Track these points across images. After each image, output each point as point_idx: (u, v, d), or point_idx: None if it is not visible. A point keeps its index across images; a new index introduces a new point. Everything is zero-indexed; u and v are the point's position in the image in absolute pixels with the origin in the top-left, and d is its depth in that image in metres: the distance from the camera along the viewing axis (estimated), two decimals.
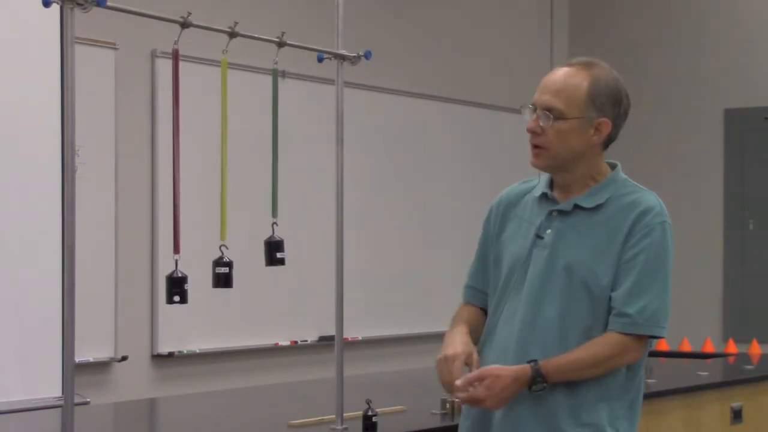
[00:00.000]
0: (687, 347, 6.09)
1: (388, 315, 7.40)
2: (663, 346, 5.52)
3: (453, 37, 8.05)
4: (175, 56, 2.83)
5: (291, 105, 5.79)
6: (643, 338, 2.66)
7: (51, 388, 4.42)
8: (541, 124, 2.69)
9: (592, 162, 2.74)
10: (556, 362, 2.62)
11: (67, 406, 2.57)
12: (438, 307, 7.71)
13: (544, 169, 2.76)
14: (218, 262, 2.87)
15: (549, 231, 2.72)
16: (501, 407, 2.64)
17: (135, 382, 5.97)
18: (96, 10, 2.57)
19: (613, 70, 2.75)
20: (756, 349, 5.80)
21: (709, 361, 5.33)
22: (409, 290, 7.54)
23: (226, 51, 2.92)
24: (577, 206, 2.72)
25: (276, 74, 3.11)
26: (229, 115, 2.96)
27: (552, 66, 2.78)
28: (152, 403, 4.64)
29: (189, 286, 2.79)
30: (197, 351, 6.29)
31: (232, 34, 2.95)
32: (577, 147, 2.69)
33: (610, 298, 2.65)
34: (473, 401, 2.63)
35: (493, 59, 8.33)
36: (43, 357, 4.48)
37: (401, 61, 7.55)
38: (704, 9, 8.66)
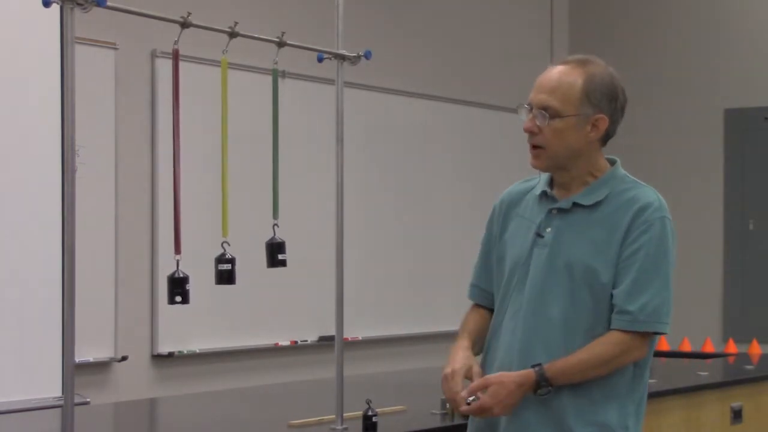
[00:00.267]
0: (687, 347, 6.09)
1: (388, 315, 7.40)
2: (663, 346, 5.51)
3: (453, 37, 8.05)
4: (175, 56, 2.83)
5: (291, 105, 5.79)
6: (647, 335, 2.65)
7: (51, 388, 4.42)
8: (538, 123, 2.69)
9: (591, 159, 2.73)
10: (560, 365, 2.61)
11: (67, 406, 2.57)
12: (438, 307, 7.71)
13: (544, 168, 2.76)
14: (221, 259, 2.87)
15: (549, 230, 2.72)
16: (508, 413, 2.63)
17: (135, 382, 5.97)
18: (96, 10, 2.56)
19: (609, 66, 2.75)
20: (756, 349, 5.80)
21: (709, 361, 5.32)
22: (409, 290, 7.54)
23: (226, 51, 2.92)
24: (576, 204, 2.71)
25: (276, 74, 3.11)
26: (229, 115, 2.96)
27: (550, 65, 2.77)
28: (152, 403, 4.63)
29: (190, 287, 2.79)
30: (197, 351, 6.29)
31: (232, 34, 2.95)
32: (575, 144, 2.69)
33: (611, 296, 2.65)
34: (480, 411, 2.62)
35: (493, 59, 8.33)
36: (43, 357, 4.48)
37: (401, 61, 7.55)
38: (704, 9, 8.66)
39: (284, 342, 6.74)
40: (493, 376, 2.64)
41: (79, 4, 2.52)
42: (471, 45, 8.17)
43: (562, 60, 2.75)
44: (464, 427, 3.30)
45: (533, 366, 2.62)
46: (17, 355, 4.44)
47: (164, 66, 5.99)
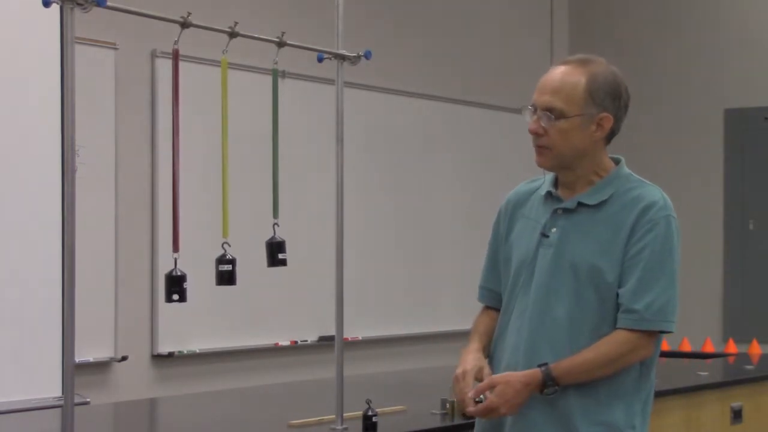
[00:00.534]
0: (687, 347, 6.09)
1: (388, 315, 7.40)
2: (663, 346, 5.49)
3: (453, 37, 8.05)
4: (175, 56, 2.83)
5: (291, 105, 5.79)
6: (654, 334, 2.65)
7: (51, 388, 4.42)
8: (543, 124, 2.68)
9: (596, 158, 2.73)
10: (566, 365, 2.61)
11: (67, 406, 2.57)
12: (438, 307, 7.72)
13: (550, 168, 2.75)
14: (221, 260, 2.87)
15: (554, 230, 2.72)
16: (515, 413, 2.63)
17: (135, 382, 5.97)
18: (96, 10, 2.56)
19: (611, 65, 2.75)
20: (756, 349, 5.80)
21: (709, 361, 5.33)
22: (409, 290, 7.54)
23: (226, 51, 2.92)
24: (581, 204, 2.71)
25: (276, 74, 3.11)
26: (229, 115, 2.96)
27: (552, 66, 2.76)
28: (152, 403, 4.64)
29: (189, 286, 2.79)
30: (197, 351, 6.29)
31: (232, 34, 2.95)
32: (580, 144, 2.69)
33: (617, 295, 2.64)
34: (488, 411, 2.61)
35: (493, 59, 8.33)
36: (43, 357, 4.48)
37: (401, 61, 7.55)
38: (704, 9, 8.66)
39: (284, 342, 6.74)
40: (499, 376, 2.64)
41: (79, 4, 2.53)
42: (471, 45, 8.17)
43: (563, 60, 2.75)
44: (464, 427, 3.30)
45: (539, 365, 2.62)
46: (17, 355, 4.44)
47: (164, 66, 5.99)
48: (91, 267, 5.49)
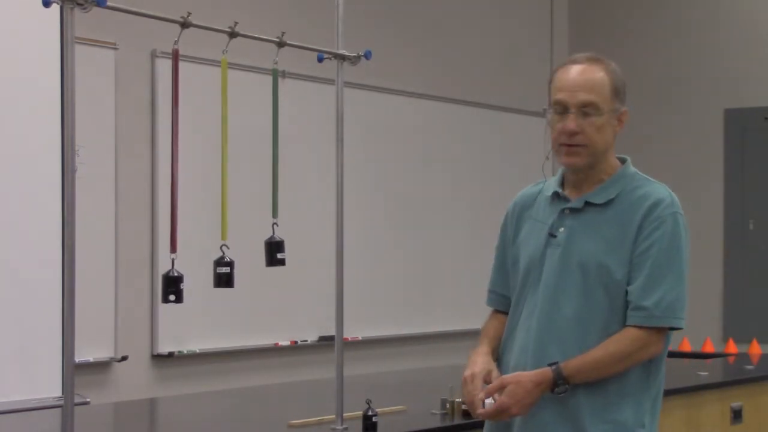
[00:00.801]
0: (687, 347, 6.09)
1: (388, 315, 7.40)
2: None
3: (453, 37, 8.05)
4: (175, 56, 2.83)
5: (291, 105, 5.79)
6: (663, 331, 2.66)
7: (51, 388, 4.42)
8: (582, 122, 2.67)
9: (611, 155, 2.76)
10: (576, 363, 2.61)
11: (67, 406, 2.57)
12: (437, 307, 7.72)
13: (583, 166, 2.72)
14: (219, 262, 2.88)
15: (562, 230, 2.72)
16: (526, 413, 2.62)
17: (135, 382, 5.97)
18: (96, 10, 2.57)
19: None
20: (756, 349, 5.80)
21: (709, 361, 5.33)
22: (409, 290, 7.54)
23: (226, 51, 2.92)
24: (588, 203, 2.72)
25: (276, 74, 3.11)
26: (229, 115, 2.96)
27: (552, 66, 2.77)
28: (152, 403, 4.64)
29: (189, 286, 2.80)
30: (197, 351, 6.29)
31: (232, 34, 2.95)
32: (609, 140, 2.71)
33: (626, 293, 2.65)
34: (499, 411, 2.60)
35: (493, 59, 8.33)
36: (43, 357, 4.48)
37: (401, 61, 7.55)
38: (704, 9, 8.66)
39: (284, 342, 6.74)
40: (509, 376, 2.63)
41: (79, 4, 2.53)
42: (471, 45, 8.17)
43: (571, 59, 2.75)
44: (464, 427, 3.31)
45: (550, 364, 2.62)
46: (17, 355, 4.44)
47: (164, 66, 5.98)
48: (91, 267, 5.49)
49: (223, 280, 2.88)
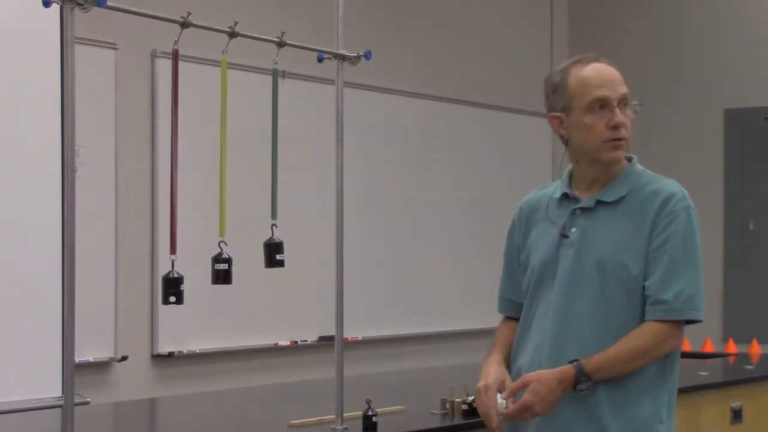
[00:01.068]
0: (687, 347, 6.07)
1: (388, 315, 7.40)
2: None
3: (453, 37, 8.05)
4: (175, 56, 2.83)
5: (291, 105, 5.79)
6: (680, 324, 2.65)
7: (51, 388, 4.42)
8: (629, 115, 2.72)
9: None
10: (598, 359, 2.60)
11: (67, 406, 2.57)
12: (437, 307, 7.71)
13: (620, 160, 2.75)
14: (217, 259, 2.88)
15: (574, 230, 2.72)
16: (549, 411, 2.60)
17: (135, 382, 5.97)
18: (96, 10, 2.57)
19: None
20: (756, 349, 5.80)
21: (709, 361, 5.33)
22: (409, 290, 7.54)
23: (226, 51, 2.92)
24: (599, 202, 2.72)
25: (276, 74, 3.11)
26: (228, 115, 2.96)
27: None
28: (152, 403, 4.64)
29: (189, 287, 2.80)
30: (197, 351, 6.29)
31: (232, 34, 2.95)
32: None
33: (643, 288, 2.64)
34: (522, 410, 2.58)
35: (493, 59, 8.33)
36: (43, 357, 4.48)
37: (401, 61, 7.55)
38: (704, 9, 8.66)
39: (284, 342, 6.74)
40: (531, 374, 2.62)
41: (79, 4, 2.53)
42: (471, 45, 8.17)
43: (587, 59, 2.75)
44: (464, 427, 3.30)
45: (571, 362, 2.60)
46: (17, 355, 4.44)
47: (164, 66, 5.98)
48: (91, 267, 5.49)
49: (221, 276, 2.88)
